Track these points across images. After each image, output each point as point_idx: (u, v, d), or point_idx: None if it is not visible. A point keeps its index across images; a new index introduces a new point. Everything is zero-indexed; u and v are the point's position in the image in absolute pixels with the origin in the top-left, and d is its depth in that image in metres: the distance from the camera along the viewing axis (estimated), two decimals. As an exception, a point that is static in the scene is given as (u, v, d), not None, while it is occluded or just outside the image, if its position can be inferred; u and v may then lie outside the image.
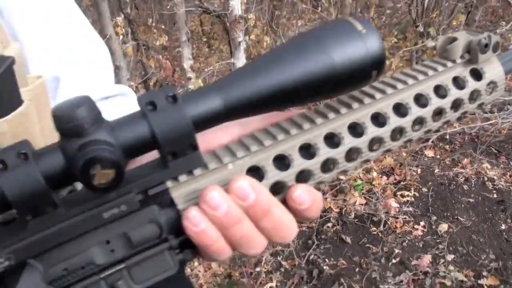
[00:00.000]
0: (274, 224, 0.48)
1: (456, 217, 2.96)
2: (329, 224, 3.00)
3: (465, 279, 2.58)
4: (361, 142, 0.51)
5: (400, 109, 0.54)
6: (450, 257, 2.72)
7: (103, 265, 0.46)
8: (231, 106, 0.43)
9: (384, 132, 0.52)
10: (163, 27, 5.34)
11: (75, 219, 0.44)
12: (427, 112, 0.54)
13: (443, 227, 2.90)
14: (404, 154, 3.26)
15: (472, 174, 3.24)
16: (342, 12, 4.38)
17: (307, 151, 0.50)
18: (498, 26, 4.09)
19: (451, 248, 2.77)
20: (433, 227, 2.92)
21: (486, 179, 3.20)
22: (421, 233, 2.89)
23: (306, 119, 0.51)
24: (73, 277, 0.46)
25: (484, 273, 2.60)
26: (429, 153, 3.45)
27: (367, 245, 2.85)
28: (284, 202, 0.50)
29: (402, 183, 3.19)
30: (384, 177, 3.23)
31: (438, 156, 3.45)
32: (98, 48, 0.81)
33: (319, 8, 5.45)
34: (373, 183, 3.12)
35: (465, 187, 3.17)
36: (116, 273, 0.47)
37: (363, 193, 3.10)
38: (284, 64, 0.44)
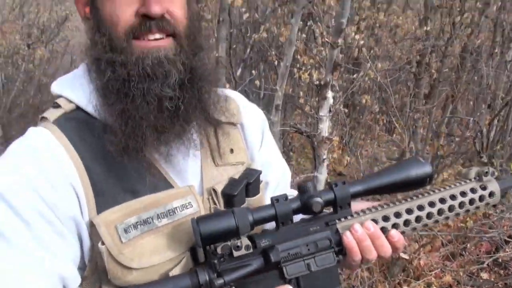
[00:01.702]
0: (381, 244, 1.03)
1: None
2: (391, 329, 3.37)
3: None
4: (423, 213, 1.08)
5: (442, 201, 1.10)
6: None
7: (304, 255, 1.03)
8: (365, 190, 1.04)
9: (433, 210, 1.09)
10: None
11: (297, 229, 1.03)
12: (455, 203, 1.11)
13: None
14: (461, 273, 3.65)
15: (524, 298, 3.56)
16: (414, 139, 4.85)
17: (398, 215, 1.07)
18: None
19: None
20: None
21: (538, 303, 3.51)
22: None
23: (397, 201, 1.09)
24: (290, 258, 1.01)
25: None
26: (484, 275, 3.81)
27: None
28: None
29: (458, 299, 3.56)
30: (443, 292, 3.62)
31: (492, 279, 3.80)
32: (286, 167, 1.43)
33: (394, 135, 6.01)
34: (433, 296, 3.51)
35: (517, 308, 3.48)
36: (309, 259, 1.03)
37: (423, 304, 3.48)
38: (389, 175, 1.05)
